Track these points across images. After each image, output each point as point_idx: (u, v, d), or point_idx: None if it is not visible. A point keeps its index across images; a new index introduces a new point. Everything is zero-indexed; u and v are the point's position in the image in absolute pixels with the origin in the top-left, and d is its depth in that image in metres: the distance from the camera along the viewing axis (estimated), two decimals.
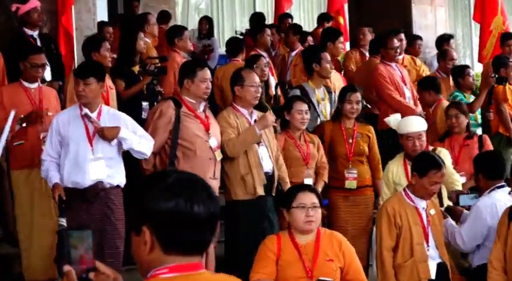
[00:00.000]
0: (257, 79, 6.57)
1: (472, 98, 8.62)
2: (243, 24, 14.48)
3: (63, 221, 5.70)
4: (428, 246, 5.64)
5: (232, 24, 15.17)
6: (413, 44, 10.43)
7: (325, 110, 7.62)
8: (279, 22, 11.63)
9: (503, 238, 5.29)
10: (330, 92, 7.79)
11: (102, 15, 10.99)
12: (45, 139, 6.09)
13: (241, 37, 10.95)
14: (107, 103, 6.52)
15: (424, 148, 6.44)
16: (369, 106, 8.80)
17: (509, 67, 8.84)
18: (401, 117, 6.77)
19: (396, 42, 8.81)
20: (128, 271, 5.45)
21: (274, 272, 5.04)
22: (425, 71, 9.80)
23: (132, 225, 2.19)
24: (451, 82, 9.13)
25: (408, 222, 5.62)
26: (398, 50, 8.97)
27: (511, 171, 6.21)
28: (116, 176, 5.91)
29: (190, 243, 2.14)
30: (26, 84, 6.63)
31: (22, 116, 6.43)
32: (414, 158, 5.98)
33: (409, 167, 6.28)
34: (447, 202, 6.43)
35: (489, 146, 7.34)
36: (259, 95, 6.56)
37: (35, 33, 7.88)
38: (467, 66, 9.33)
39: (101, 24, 10.04)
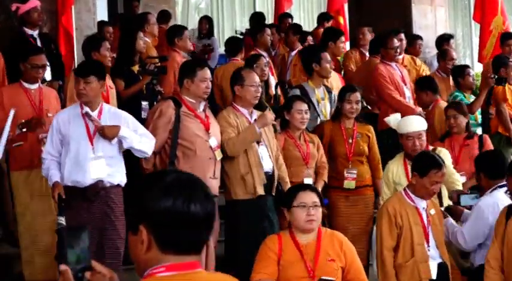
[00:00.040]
0: (257, 79, 6.57)
1: (472, 98, 8.62)
2: (243, 24, 14.49)
3: (62, 220, 5.70)
4: (428, 246, 5.64)
5: (232, 24, 15.17)
6: (413, 44, 10.42)
7: (325, 109, 7.62)
8: (279, 22, 11.64)
9: (501, 237, 5.30)
10: (329, 92, 7.79)
11: (102, 15, 10.99)
12: (45, 140, 6.09)
13: (240, 37, 10.96)
14: (107, 103, 6.50)
15: (424, 147, 6.44)
16: (369, 107, 8.80)
17: (509, 67, 8.83)
18: (401, 117, 6.77)
19: (396, 42, 8.81)
20: (127, 270, 5.46)
21: (276, 272, 5.03)
22: (426, 71, 9.79)
23: (129, 224, 2.19)
24: (451, 82, 9.13)
25: (409, 222, 5.62)
26: (398, 50, 8.97)
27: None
28: (116, 175, 5.90)
29: (187, 242, 2.15)
30: (26, 85, 6.60)
31: (23, 121, 6.40)
32: (414, 158, 5.98)
33: (409, 167, 6.28)
34: (447, 202, 6.43)
35: (489, 145, 7.34)
36: (259, 94, 6.56)
37: (35, 33, 7.88)
38: (467, 66, 9.31)
39: (101, 24, 10.04)
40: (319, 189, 6.44)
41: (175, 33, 8.65)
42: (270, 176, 6.39)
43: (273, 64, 9.60)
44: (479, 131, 8.50)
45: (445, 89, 9.18)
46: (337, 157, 7.00)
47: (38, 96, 6.60)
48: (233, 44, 9.11)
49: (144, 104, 7.26)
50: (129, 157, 6.04)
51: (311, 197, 5.10)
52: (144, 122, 6.38)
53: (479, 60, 10.50)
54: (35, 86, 6.63)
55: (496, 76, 8.50)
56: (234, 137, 6.29)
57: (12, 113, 6.27)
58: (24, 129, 6.41)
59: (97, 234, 5.78)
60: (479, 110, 8.66)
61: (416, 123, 6.52)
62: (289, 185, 6.36)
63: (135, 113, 6.71)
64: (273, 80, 8.92)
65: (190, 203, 2.13)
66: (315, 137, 6.94)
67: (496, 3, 10.31)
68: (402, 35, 9.68)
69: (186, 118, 6.17)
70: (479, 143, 7.31)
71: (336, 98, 7.44)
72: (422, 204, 5.69)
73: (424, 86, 8.17)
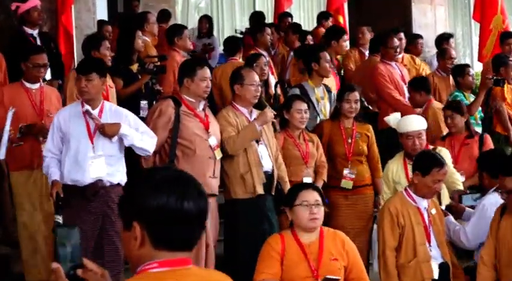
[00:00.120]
0: (257, 78, 6.57)
1: (472, 97, 8.61)
2: (242, 23, 14.49)
3: (59, 219, 5.69)
4: (430, 246, 5.64)
5: (232, 23, 15.17)
6: (414, 43, 10.42)
7: (325, 109, 7.62)
8: (279, 21, 11.63)
9: (495, 233, 5.33)
10: (329, 91, 7.78)
11: (102, 14, 10.98)
12: (45, 140, 6.07)
13: (239, 36, 10.96)
14: None
15: (424, 147, 6.45)
16: (371, 107, 8.79)
17: (509, 66, 8.83)
18: (401, 116, 6.77)
19: (396, 42, 8.82)
20: (127, 270, 5.45)
21: (279, 272, 5.03)
22: (426, 70, 9.80)
23: (123, 220, 2.23)
24: (451, 81, 9.13)
25: (411, 222, 5.62)
26: (398, 49, 8.97)
27: None
28: (116, 174, 5.87)
29: (180, 239, 2.19)
30: (27, 84, 6.60)
31: (24, 124, 6.38)
32: (416, 157, 5.97)
33: (408, 166, 6.28)
34: (446, 202, 6.43)
35: (490, 145, 7.34)
36: (258, 94, 6.56)
37: (35, 32, 7.88)
38: (467, 66, 9.30)
39: (101, 23, 10.04)
40: None
41: (175, 33, 8.65)
42: (269, 176, 6.39)
43: (273, 63, 9.61)
44: (478, 130, 8.49)
45: (444, 88, 9.18)
46: (336, 156, 7.00)
47: (39, 96, 6.59)
48: (232, 44, 9.11)
49: (143, 103, 7.26)
50: (130, 156, 6.03)
51: (313, 196, 5.10)
52: (142, 121, 6.37)
53: (479, 60, 10.49)
54: (36, 86, 6.62)
55: (494, 77, 8.48)
56: (234, 135, 6.29)
57: (10, 113, 6.26)
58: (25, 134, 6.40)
59: (97, 234, 5.78)
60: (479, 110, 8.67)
61: (416, 123, 6.53)
62: (288, 185, 6.37)
63: (134, 112, 6.70)
64: (272, 80, 8.92)
65: (183, 200, 2.17)
66: (315, 137, 6.94)
67: (495, 2, 10.31)
68: (402, 34, 9.69)
69: (186, 117, 6.17)
70: (479, 143, 7.32)
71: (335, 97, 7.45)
72: (423, 204, 5.69)
73: (418, 86, 8.10)
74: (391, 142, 7.34)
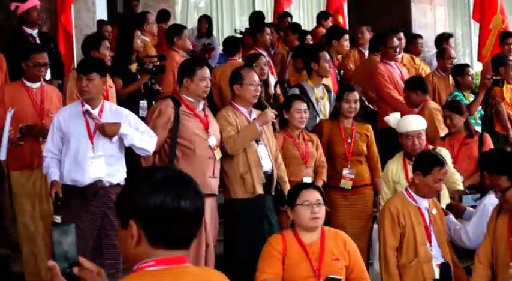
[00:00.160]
0: (256, 78, 6.57)
1: (471, 97, 8.61)
2: (242, 23, 14.49)
3: (58, 219, 5.69)
4: (431, 246, 5.65)
5: (231, 23, 15.17)
6: (414, 42, 10.43)
7: (324, 108, 7.62)
8: (279, 21, 11.63)
9: (492, 232, 5.33)
10: (329, 91, 7.79)
11: (102, 14, 10.98)
12: (45, 141, 6.07)
13: (239, 36, 10.95)
14: None
15: (424, 146, 6.44)
16: (371, 106, 8.78)
17: (509, 66, 8.83)
18: (401, 116, 6.77)
19: (396, 42, 8.82)
20: (126, 270, 5.45)
21: (281, 271, 5.03)
22: (425, 70, 9.80)
23: (120, 218, 2.24)
24: (451, 81, 9.13)
25: (411, 222, 5.62)
26: (398, 49, 8.97)
27: None
28: (116, 174, 5.86)
29: (176, 237, 2.20)
30: (28, 84, 6.59)
31: (24, 124, 6.38)
32: (416, 157, 5.97)
33: (408, 166, 6.28)
34: (446, 201, 6.43)
35: (490, 144, 7.33)
36: (258, 94, 6.56)
37: (34, 32, 7.88)
38: (467, 65, 9.30)
39: (100, 23, 10.04)
40: None
41: (175, 33, 8.64)
42: (269, 176, 6.39)
43: (273, 63, 9.60)
44: (479, 130, 8.49)
45: (444, 88, 9.18)
46: (335, 156, 7.00)
47: (40, 96, 6.59)
48: (231, 44, 9.11)
49: (142, 103, 7.26)
50: (130, 156, 6.03)
51: (314, 195, 5.11)
52: (142, 121, 6.37)
53: (479, 59, 10.49)
54: (36, 85, 6.62)
55: (493, 78, 8.47)
56: (234, 135, 6.29)
57: (10, 114, 6.26)
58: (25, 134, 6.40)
59: (96, 234, 5.77)
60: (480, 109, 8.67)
61: (416, 123, 6.52)
62: (288, 185, 6.37)
63: (134, 112, 6.69)
64: (272, 79, 8.92)
65: (180, 199, 2.18)
66: (314, 136, 6.94)
67: (495, 2, 10.31)
68: (402, 34, 9.69)
69: (186, 117, 6.17)
70: (479, 142, 7.31)
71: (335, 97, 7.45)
72: (424, 203, 5.69)
73: (414, 86, 8.06)
74: (390, 142, 7.34)
